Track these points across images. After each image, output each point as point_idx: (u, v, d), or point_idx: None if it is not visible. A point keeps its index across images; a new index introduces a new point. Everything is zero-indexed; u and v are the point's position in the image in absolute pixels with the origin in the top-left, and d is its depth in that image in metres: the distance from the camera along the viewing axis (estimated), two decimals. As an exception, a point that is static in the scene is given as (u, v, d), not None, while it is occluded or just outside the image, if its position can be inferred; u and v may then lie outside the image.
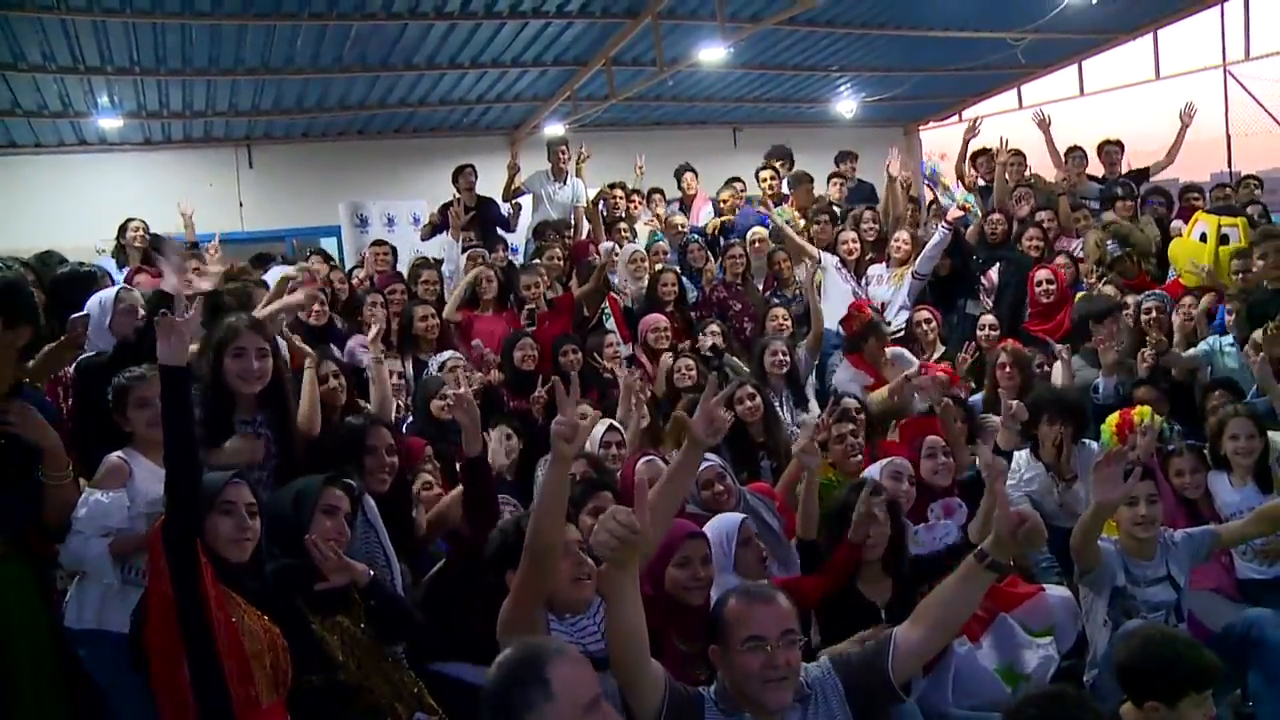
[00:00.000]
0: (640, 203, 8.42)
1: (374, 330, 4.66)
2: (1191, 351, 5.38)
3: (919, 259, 6.59)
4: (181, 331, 2.57)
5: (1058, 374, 5.32)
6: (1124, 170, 8.03)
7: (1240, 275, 5.49)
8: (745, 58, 10.41)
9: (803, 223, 7.49)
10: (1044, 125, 7.94)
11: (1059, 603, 3.78)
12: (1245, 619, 3.45)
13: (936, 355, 6.02)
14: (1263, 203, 7.18)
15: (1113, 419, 4.52)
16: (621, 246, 7.20)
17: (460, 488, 3.53)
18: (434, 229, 7.89)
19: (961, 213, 6.73)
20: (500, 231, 8.01)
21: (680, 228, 7.91)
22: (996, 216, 7.01)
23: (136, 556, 3.00)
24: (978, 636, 3.60)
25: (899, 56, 11.33)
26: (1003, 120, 12.68)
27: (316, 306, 5.28)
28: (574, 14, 8.80)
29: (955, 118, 13.84)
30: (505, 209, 8.22)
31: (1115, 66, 12.45)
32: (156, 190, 9.36)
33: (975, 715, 3.37)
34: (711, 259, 7.25)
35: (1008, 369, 5.23)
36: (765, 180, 8.17)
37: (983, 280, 6.74)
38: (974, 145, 8.18)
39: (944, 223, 6.66)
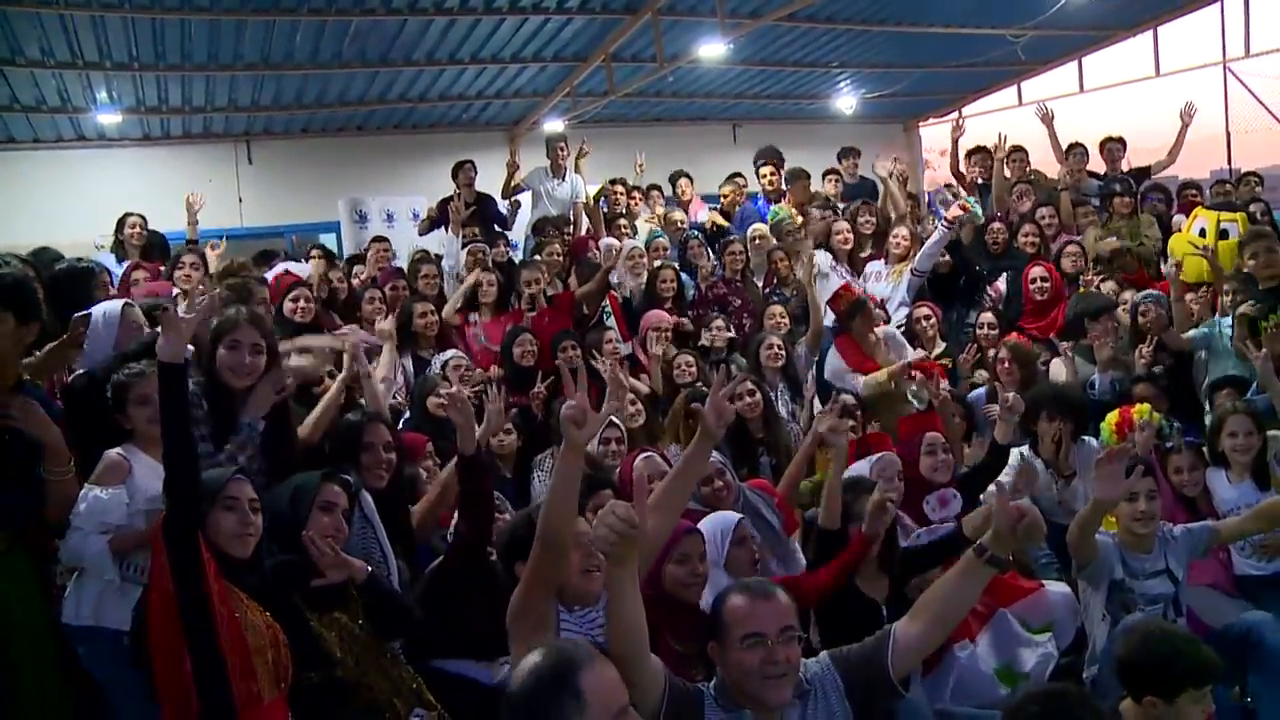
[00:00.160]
0: (640, 199, 8.42)
1: (388, 323, 4.58)
2: (1191, 333, 5.38)
3: (919, 256, 6.57)
4: (182, 329, 2.57)
5: (1056, 371, 5.32)
6: (1126, 168, 8.03)
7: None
8: (745, 54, 10.41)
9: (800, 220, 7.48)
10: (1047, 120, 7.92)
11: (1058, 599, 3.79)
12: (1243, 622, 3.46)
13: (937, 352, 6.00)
14: (1265, 200, 7.16)
15: (1112, 417, 4.53)
16: (622, 243, 7.20)
17: (446, 473, 3.53)
18: (432, 223, 7.88)
19: (961, 212, 6.68)
20: (498, 229, 8.00)
21: (679, 224, 7.91)
22: (997, 226, 6.92)
23: (136, 553, 3.00)
24: (976, 633, 3.60)
25: (899, 53, 11.33)
26: (1002, 117, 12.71)
27: (302, 303, 5.24)
28: (574, 10, 8.79)
29: (955, 114, 13.82)
30: (504, 206, 8.22)
31: (1115, 63, 12.47)
32: (155, 186, 9.34)
33: (977, 713, 3.38)
34: (710, 255, 7.25)
35: (1006, 364, 5.25)
36: (765, 176, 8.18)
37: (989, 290, 6.70)
38: (971, 143, 8.17)
39: (944, 221, 6.64)
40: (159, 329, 2.59)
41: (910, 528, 3.99)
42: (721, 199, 8.31)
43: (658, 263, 6.88)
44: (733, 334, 6.08)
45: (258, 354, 3.34)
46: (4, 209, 9.61)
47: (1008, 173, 7.73)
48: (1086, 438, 4.57)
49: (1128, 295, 5.96)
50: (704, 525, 3.26)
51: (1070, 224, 7.14)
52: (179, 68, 8.74)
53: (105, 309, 3.71)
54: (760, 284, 7.00)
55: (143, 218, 6.69)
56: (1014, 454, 4.52)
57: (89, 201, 9.37)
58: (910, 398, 5.39)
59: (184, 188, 7.36)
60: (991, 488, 4.07)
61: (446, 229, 7.18)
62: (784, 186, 8.10)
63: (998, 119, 12.54)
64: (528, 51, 9.69)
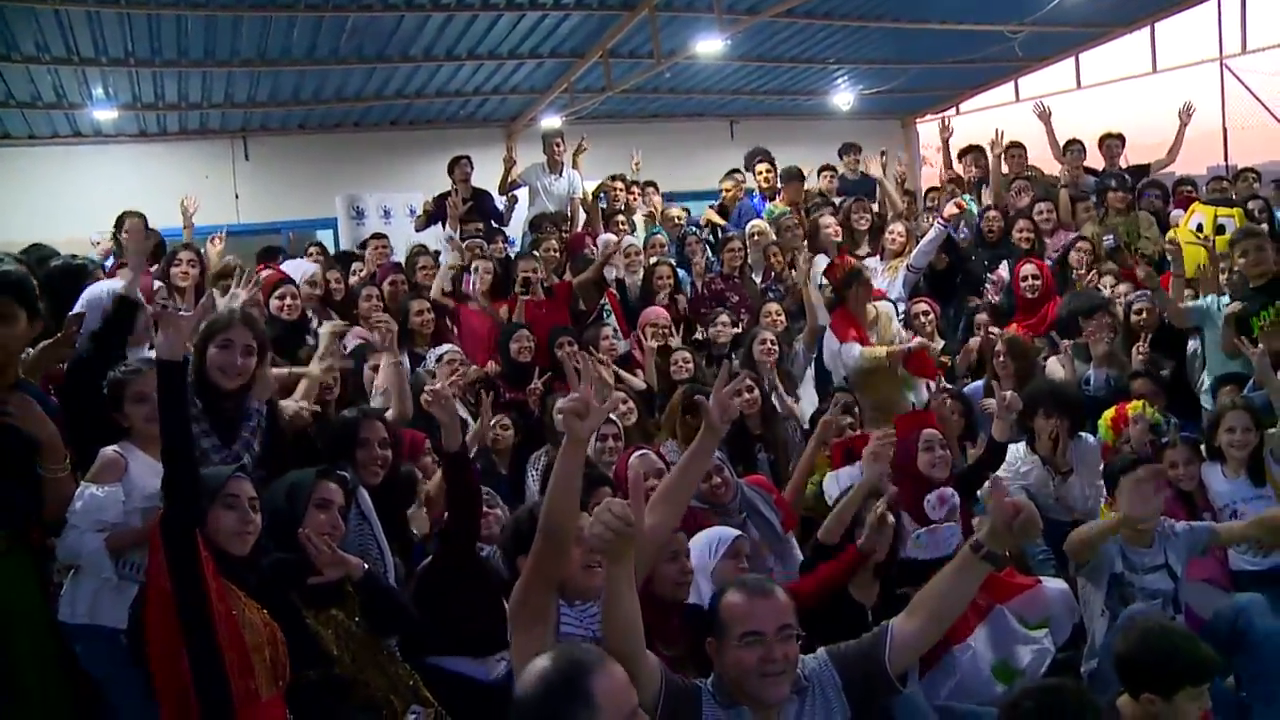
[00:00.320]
0: (639, 195, 8.42)
1: (389, 335, 4.47)
2: (1188, 304, 5.37)
3: (914, 252, 6.58)
4: (181, 326, 2.57)
5: (1053, 369, 5.32)
6: (1124, 165, 8.03)
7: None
8: (742, 50, 10.40)
9: (797, 217, 7.48)
10: (1045, 116, 7.93)
11: (1056, 595, 3.78)
12: (1234, 605, 3.49)
13: (936, 348, 5.99)
14: (1263, 197, 7.17)
15: (1109, 414, 4.53)
16: (620, 239, 7.19)
17: (436, 479, 3.52)
18: (429, 218, 7.88)
19: (957, 211, 6.68)
20: (495, 225, 7.99)
21: (676, 220, 7.90)
22: (993, 214, 6.96)
23: (132, 551, 3.00)
24: (974, 628, 3.60)
25: (896, 49, 11.32)
26: (1000, 113, 12.70)
27: (289, 300, 5.21)
28: (571, 6, 8.78)
29: (952, 110, 13.82)
30: (500, 203, 8.21)
31: (1112, 59, 12.46)
32: (152, 182, 9.35)
33: (975, 710, 3.38)
34: (707, 252, 7.24)
35: (1002, 358, 5.26)
36: (762, 174, 8.19)
37: (991, 277, 6.69)
38: (969, 140, 8.16)
39: (940, 219, 6.65)
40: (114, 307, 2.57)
41: (909, 528, 3.98)
42: (723, 193, 8.31)
43: (654, 259, 6.88)
44: (739, 329, 6.06)
45: (248, 355, 3.30)
46: (0, 205, 9.58)
47: (1005, 168, 7.74)
48: (1083, 434, 4.58)
49: (1123, 289, 5.98)
50: (701, 538, 3.23)
51: (1068, 220, 7.14)
52: (175, 64, 8.71)
53: (103, 287, 3.75)
54: (758, 280, 7.00)
55: (143, 217, 6.66)
56: (1012, 450, 4.53)
57: (85, 198, 9.34)
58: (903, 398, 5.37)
59: (180, 184, 7.36)
60: (987, 484, 4.05)
61: (444, 225, 7.18)
62: (779, 184, 8.11)
63: (995, 115, 12.51)
64: (525, 47, 9.67)
